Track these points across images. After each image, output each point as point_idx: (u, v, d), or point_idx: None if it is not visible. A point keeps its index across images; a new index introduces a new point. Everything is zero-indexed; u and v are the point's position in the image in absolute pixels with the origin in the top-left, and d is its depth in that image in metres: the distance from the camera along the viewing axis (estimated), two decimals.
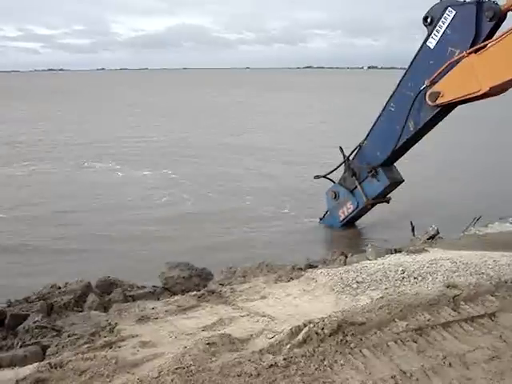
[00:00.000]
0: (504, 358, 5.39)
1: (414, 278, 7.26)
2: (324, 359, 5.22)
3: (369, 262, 8.50)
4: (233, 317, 6.33)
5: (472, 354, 5.44)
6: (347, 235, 14.34)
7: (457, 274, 7.38)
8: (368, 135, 13.18)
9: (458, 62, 10.76)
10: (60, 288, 7.54)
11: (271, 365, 5.07)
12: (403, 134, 12.12)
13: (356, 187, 13.61)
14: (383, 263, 8.10)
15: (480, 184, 19.44)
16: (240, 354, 5.33)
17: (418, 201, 16.78)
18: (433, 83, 11.22)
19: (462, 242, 10.13)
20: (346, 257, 10.18)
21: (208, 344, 5.41)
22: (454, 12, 10.87)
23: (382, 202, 13.81)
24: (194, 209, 16.27)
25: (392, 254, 9.56)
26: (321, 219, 14.80)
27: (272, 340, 5.59)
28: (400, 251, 9.70)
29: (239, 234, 13.96)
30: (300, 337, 5.45)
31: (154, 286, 8.22)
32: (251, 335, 5.80)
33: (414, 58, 11.84)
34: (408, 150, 12.87)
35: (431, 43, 11.35)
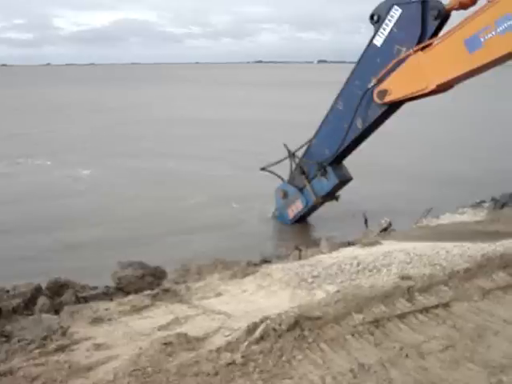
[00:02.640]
0: (458, 346, 5.49)
1: (369, 271, 7.30)
2: (282, 355, 5.20)
3: (323, 255, 8.52)
4: (188, 315, 6.23)
5: (427, 345, 5.52)
6: (300, 229, 14.37)
7: (411, 265, 7.46)
8: (316, 133, 13.18)
9: (404, 59, 10.86)
10: (8, 292, 7.25)
11: (229, 363, 5.02)
12: (351, 132, 12.16)
13: (305, 186, 13.61)
14: (338, 256, 8.13)
15: (430, 176, 19.80)
16: (197, 353, 5.26)
17: (369, 193, 16.96)
18: (380, 81, 11.30)
19: (415, 233, 10.27)
20: (301, 251, 10.19)
21: (164, 344, 5.32)
22: (399, 10, 10.96)
23: (332, 200, 13.86)
24: (140, 207, 15.88)
25: (346, 247, 9.61)
26: (272, 215, 14.79)
27: (229, 338, 5.52)
28: (354, 244, 9.77)
29: (190, 231, 13.71)
30: (257, 333, 5.41)
31: (106, 287, 8.00)
32: (208, 333, 5.71)
33: (361, 56, 11.85)
34: (356, 147, 12.92)
35: (378, 41, 11.39)
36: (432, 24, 10.64)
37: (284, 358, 5.16)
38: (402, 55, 10.85)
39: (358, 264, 7.50)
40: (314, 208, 14.00)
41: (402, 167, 21.50)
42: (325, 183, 13.26)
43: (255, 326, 5.54)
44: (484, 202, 14.31)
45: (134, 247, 12.09)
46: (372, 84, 11.37)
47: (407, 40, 10.87)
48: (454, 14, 10.82)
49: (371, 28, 11.64)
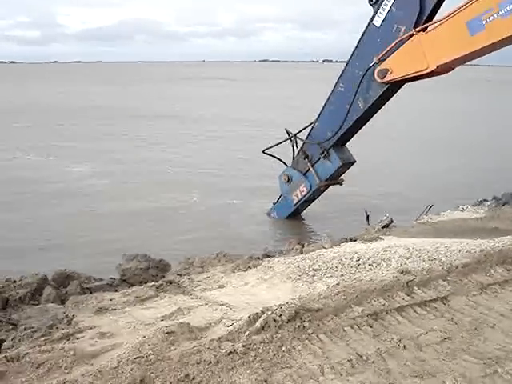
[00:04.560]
0: (455, 339, 5.59)
1: (369, 265, 7.42)
2: (282, 345, 5.30)
3: (325, 250, 8.62)
4: (191, 306, 6.36)
5: (425, 337, 5.61)
6: (302, 226, 14.50)
7: (410, 260, 7.57)
8: (318, 116, 13.24)
9: (406, 39, 11.01)
10: (15, 282, 7.41)
11: (230, 352, 5.12)
12: (353, 113, 12.25)
13: (309, 170, 13.65)
14: (338, 251, 8.24)
15: (428, 174, 19.96)
16: (199, 342, 5.37)
17: (371, 190, 17.11)
18: (381, 61, 11.43)
19: (415, 229, 10.37)
20: (303, 246, 10.31)
21: (167, 333, 5.43)
22: None
23: (335, 183, 13.94)
24: (141, 204, 15.98)
25: (347, 242, 9.72)
26: (274, 204, 14.90)
27: (230, 328, 5.64)
28: (355, 240, 9.87)
29: (191, 227, 13.82)
30: (258, 324, 5.51)
31: (111, 278, 8.16)
32: (210, 323, 5.84)
33: (361, 37, 12.01)
34: (359, 129, 13.00)
35: (377, 21, 11.53)
36: (430, 2, 10.78)
37: (284, 348, 5.26)
38: (404, 35, 10.98)
39: (358, 258, 7.62)
40: (318, 193, 14.08)
41: (401, 165, 21.66)
42: (328, 166, 13.34)
43: (256, 316, 5.65)
44: (486, 200, 14.43)
45: (137, 242, 12.20)
46: (373, 63, 11.50)
47: (406, 19, 11.03)
48: None
49: None
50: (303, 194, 14.00)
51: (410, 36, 10.84)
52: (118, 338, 5.59)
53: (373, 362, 5.11)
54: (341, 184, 13.96)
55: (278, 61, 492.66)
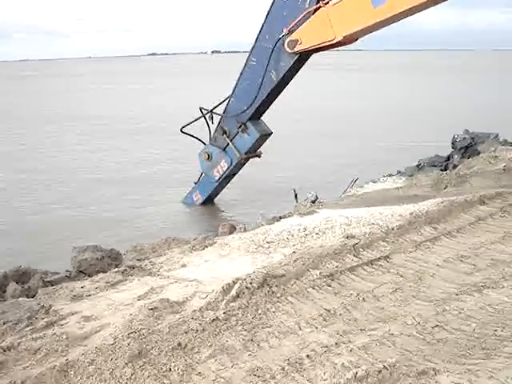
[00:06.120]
0: (404, 288, 6.42)
1: (316, 234, 8.12)
2: (258, 309, 5.89)
3: (271, 225, 9.22)
4: (162, 285, 6.76)
5: (379, 289, 6.39)
6: (222, 212, 14.95)
7: (351, 226, 8.35)
8: (233, 92, 13.58)
9: (314, 11, 11.68)
10: None
11: (213, 319, 5.63)
12: (266, 85, 12.77)
13: (228, 145, 13.98)
14: (285, 225, 8.89)
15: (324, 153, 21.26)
16: (182, 314, 5.83)
17: (285, 171, 17.93)
18: (290, 32, 12.06)
19: (345, 201, 11.20)
20: (235, 228, 10.82)
21: (150, 309, 5.84)
22: None
23: (254, 156, 14.40)
24: (53, 200, 15.79)
25: (283, 219, 10.31)
26: (195, 183, 15.09)
27: (207, 299, 6.13)
28: (288, 217, 10.48)
29: (112, 223, 13.68)
30: (234, 292, 6.06)
31: (67, 271, 8.32)
32: (186, 298, 6.28)
33: (268, 11, 12.56)
34: (273, 101, 13.54)
35: None
36: None
37: (260, 311, 5.84)
38: (310, 7, 11.66)
39: (305, 229, 8.31)
40: (238, 167, 14.45)
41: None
42: (247, 139, 13.75)
43: (229, 286, 6.19)
44: (391, 175, 15.53)
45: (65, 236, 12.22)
46: (283, 34, 12.09)
47: None
48: None
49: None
50: (224, 169, 14.27)
51: (318, 8, 11.52)
52: (103, 319, 5.90)
53: (340, 315, 5.81)
54: (259, 157, 14.38)
55: (167, 54, 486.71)
